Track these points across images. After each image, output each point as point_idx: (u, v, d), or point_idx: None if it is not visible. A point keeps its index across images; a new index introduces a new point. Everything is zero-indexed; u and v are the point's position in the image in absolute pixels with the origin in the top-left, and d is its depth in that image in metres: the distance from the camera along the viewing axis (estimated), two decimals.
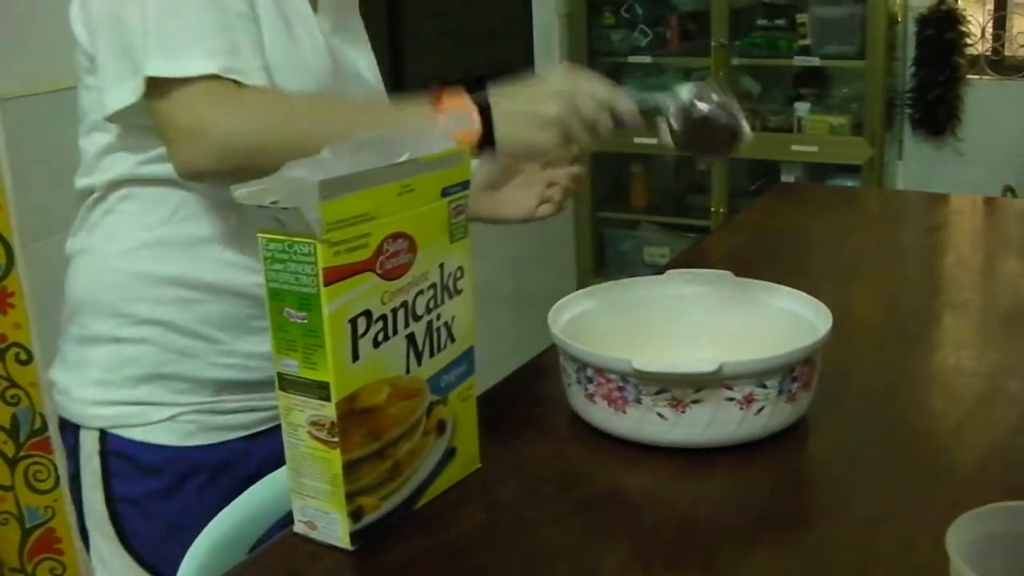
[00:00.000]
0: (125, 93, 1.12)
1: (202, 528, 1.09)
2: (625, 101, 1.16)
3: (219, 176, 1.08)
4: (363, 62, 1.37)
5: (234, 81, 1.11)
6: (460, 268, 1.06)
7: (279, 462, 1.01)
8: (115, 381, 1.24)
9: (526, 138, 1.13)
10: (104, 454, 1.24)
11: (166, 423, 1.24)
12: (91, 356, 1.26)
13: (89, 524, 1.28)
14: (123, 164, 1.23)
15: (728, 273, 1.36)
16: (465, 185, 1.05)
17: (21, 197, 2.09)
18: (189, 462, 1.25)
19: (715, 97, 1.11)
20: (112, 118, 1.16)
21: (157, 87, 1.10)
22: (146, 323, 1.23)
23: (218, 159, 1.08)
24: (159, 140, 1.17)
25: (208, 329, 1.24)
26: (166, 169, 1.17)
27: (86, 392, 1.26)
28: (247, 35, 1.14)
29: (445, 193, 1.02)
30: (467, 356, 1.09)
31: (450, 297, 1.05)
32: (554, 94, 1.13)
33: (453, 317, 1.06)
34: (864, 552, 0.96)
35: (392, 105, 1.28)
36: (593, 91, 1.14)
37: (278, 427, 0.98)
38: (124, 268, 1.24)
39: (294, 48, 1.21)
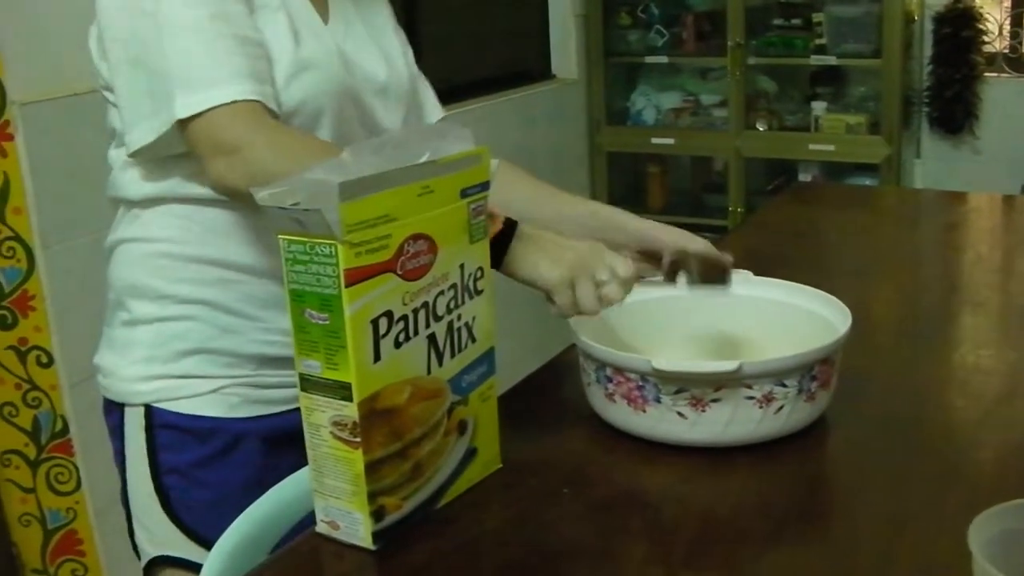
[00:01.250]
0: (146, 132, 1.18)
1: (247, 496, 1.13)
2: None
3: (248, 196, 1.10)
4: (377, 63, 1.36)
5: (260, 104, 1.15)
6: (480, 268, 1.06)
7: None
8: (161, 356, 1.28)
9: (532, 264, 1.14)
10: (150, 428, 1.28)
11: (212, 395, 1.28)
12: (138, 336, 1.30)
13: (133, 499, 1.32)
14: (151, 182, 1.26)
15: (747, 272, 1.36)
16: (484, 186, 1.05)
17: (42, 201, 2.11)
18: (235, 432, 1.29)
19: (696, 267, 1.30)
20: (134, 155, 1.22)
21: (189, 118, 1.13)
22: (190, 302, 1.27)
23: (249, 180, 1.09)
24: (182, 167, 1.23)
25: (250, 308, 1.28)
26: (196, 184, 1.24)
27: (132, 370, 1.29)
28: (261, 61, 1.18)
29: (464, 194, 1.03)
30: (488, 356, 1.09)
31: (470, 297, 1.05)
32: (574, 248, 1.14)
33: (474, 317, 1.06)
34: (884, 551, 0.96)
35: None
36: (613, 264, 1.14)
37: None
38: (167, 253, 1.27)
39: (301, 61, 1.23)
